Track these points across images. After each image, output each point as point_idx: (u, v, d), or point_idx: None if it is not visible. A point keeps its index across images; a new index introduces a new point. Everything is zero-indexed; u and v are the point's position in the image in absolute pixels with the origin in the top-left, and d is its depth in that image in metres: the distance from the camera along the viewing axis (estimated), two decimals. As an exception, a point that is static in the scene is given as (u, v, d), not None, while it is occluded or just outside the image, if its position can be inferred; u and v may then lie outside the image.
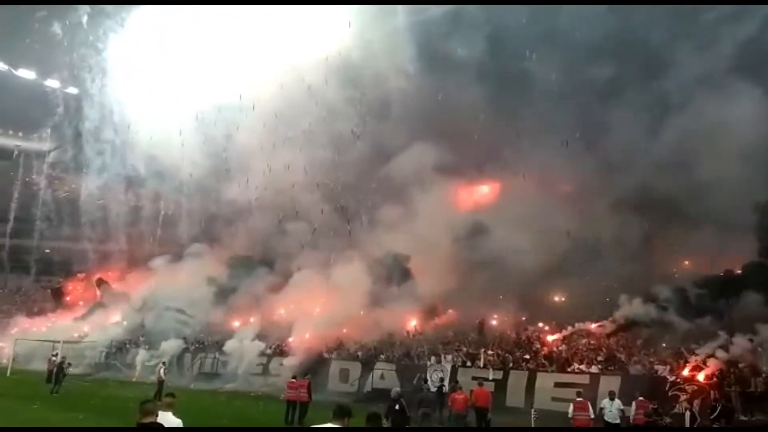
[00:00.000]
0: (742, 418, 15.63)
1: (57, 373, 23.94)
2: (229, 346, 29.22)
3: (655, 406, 15.46)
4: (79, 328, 38.41)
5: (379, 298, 28.08)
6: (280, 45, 35.28)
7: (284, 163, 33.69)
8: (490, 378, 20.10)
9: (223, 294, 34.97)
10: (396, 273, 29.93)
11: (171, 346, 31.37)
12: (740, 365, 17.97)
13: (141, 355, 31.59)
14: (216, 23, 36.94)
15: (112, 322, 38.34)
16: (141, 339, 34.27)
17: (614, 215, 27.09)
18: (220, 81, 36.83)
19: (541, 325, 27.02)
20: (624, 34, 28.19)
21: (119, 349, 34.68)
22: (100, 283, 47.47)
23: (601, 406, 14.47)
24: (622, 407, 14.08)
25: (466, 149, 32.11)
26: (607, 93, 28.24)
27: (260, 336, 29.40)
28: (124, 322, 37.59)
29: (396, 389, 13.90)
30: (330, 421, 5.22)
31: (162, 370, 23.71)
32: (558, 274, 27.93)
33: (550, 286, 29.72)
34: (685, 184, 24.72)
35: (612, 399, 14.39)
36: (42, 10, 42.90)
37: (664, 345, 21.97)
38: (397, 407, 12.34)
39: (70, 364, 25.72)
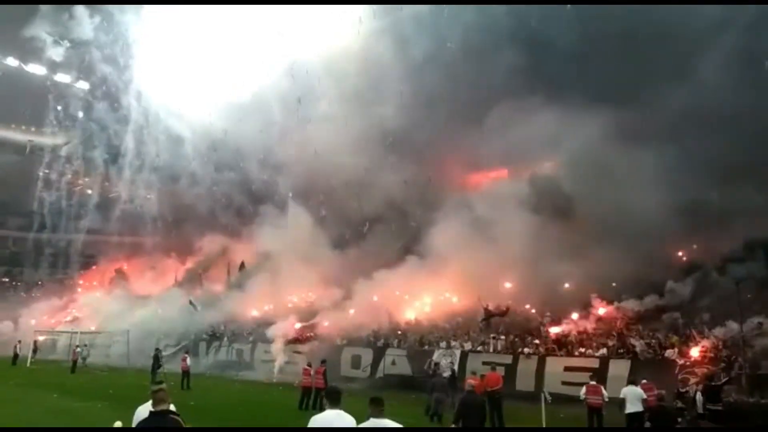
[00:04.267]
0: (751, 400, 15.70)
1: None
2: None
3: (684, 390, 15.19)
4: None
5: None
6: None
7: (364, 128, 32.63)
8: (498, 363, 20.11)
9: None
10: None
11: None
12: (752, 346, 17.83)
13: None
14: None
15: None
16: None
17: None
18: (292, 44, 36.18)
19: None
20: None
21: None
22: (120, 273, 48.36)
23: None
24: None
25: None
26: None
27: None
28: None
29: (470, 382, 10.95)
30: (328, 406, 5.43)
31: (188, 359, 24.11)
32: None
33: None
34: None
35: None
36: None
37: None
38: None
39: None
